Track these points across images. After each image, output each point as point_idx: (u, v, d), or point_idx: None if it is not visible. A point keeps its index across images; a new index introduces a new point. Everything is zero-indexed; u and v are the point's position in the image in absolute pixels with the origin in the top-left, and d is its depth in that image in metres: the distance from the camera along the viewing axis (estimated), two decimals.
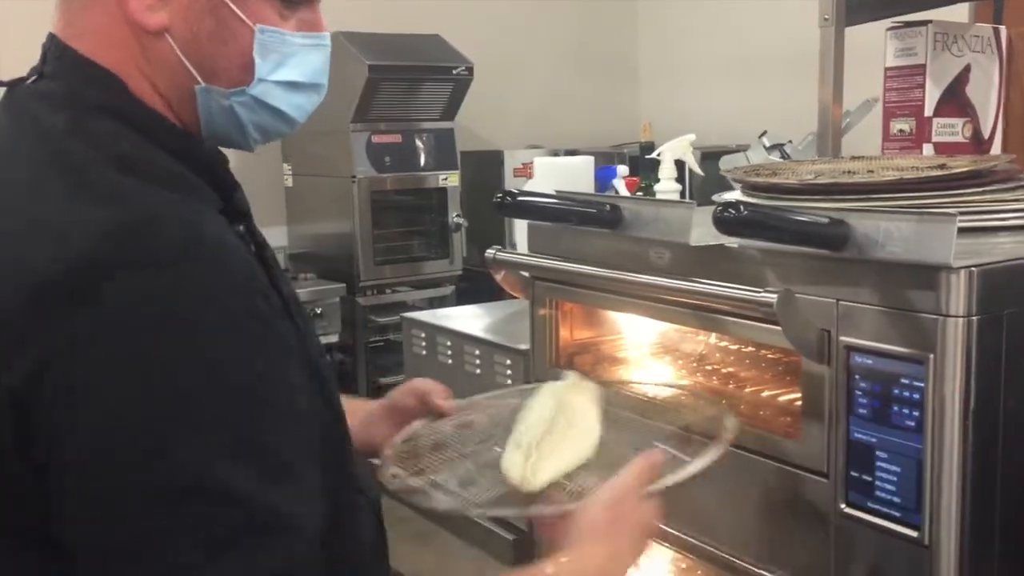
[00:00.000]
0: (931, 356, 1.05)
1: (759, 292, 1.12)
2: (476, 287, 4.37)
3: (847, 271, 1.12)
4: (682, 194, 2.07)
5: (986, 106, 2.11)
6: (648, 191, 2.36)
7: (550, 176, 1.85)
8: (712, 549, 1.29)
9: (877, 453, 1.12)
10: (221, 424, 0.78)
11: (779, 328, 1.17)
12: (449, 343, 1.93)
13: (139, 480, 0.77)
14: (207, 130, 0.96)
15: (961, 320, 1.03)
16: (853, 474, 1.15)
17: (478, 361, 1.84)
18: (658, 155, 1.99)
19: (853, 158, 1.63)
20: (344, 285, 3.92)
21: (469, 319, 2.04)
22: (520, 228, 2.02)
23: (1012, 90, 2.19)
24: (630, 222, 1.36)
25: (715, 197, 1.61)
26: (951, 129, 2.09)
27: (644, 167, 2.43)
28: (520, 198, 1.32)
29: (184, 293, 0.79)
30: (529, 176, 4.27)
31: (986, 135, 2.13)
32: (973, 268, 1.03)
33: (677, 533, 1.33)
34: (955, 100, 2.07)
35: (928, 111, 2.03)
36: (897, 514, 1.11)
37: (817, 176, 1.37)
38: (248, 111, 0.96)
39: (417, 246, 4.31)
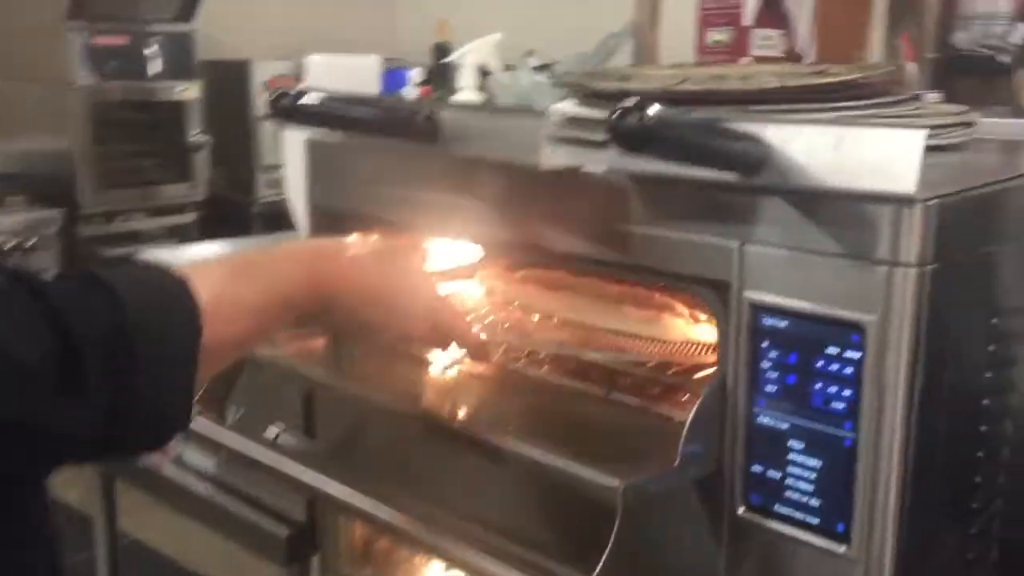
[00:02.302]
0: (873, 318, 0.80)
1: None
2: (222, 215, 3.89)
3: (756, 205, 0.85)
4: None
5: (801, 18, 1.92)
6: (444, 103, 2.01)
7: (327, 80, 1.47)
8: (553, 566, 0.99)
9: (790, 443, 0.86)
10: None
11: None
12: None
13: None
14: None
15: (913, 271, 0.78)
16: (755, 469, 0.88)
17: None
18: (458, 59, 1.66)
19: (698, 64, 1.37)
20: (62, 211, 3.33)
21: None
22: (291, 145, 1.63)
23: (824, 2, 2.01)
24: (452, 135, 1.02)
25: (549, 108, 1.29)
26: (769, 42, 1.89)
27: (438, 73, 2.08)
28: (302, 101, 0.95)
29: None
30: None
31: (798, 48, 1.95)
32: (932, 201, 0.77)
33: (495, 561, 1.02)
34: (773, 11, 1.86)
35: (747, 20, 1.82)
36: (814, 520, 0.86)
37: (683, 82, 1.08)
38: None
39: (151, 168, 3.74)
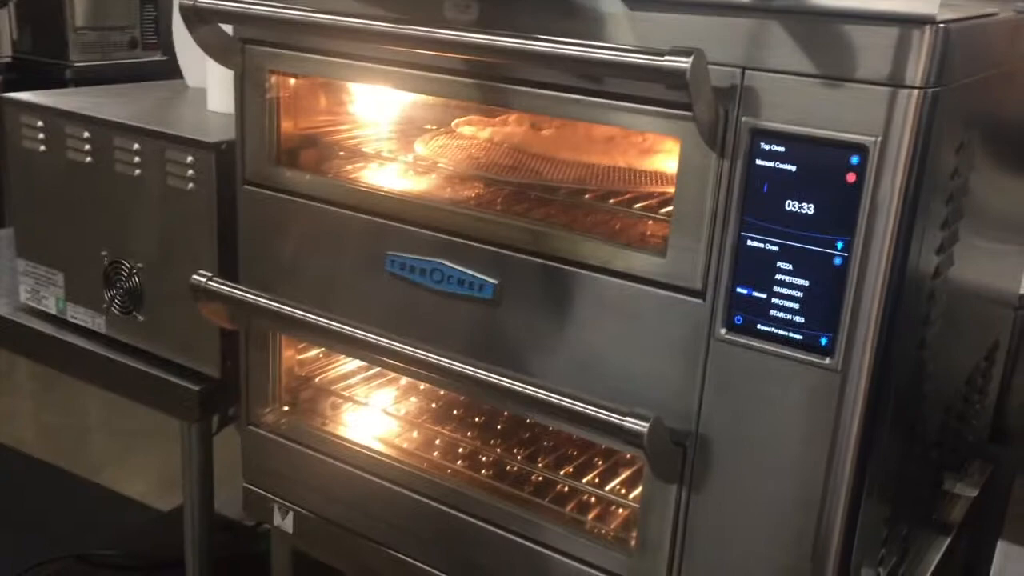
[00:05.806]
0: (874, 139, 0.83)
1: (661, 58, 0.82)
2: (30, 80, 3.59)
3: (760, 28, 0.86)
4: None
5: None
6: None
7: None
8: (539, 392, 1.01)
9: (779, 264, 0.90)
10: None
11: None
12: (87, 134, 1.39)
13: None
14: None
15: (917, 92, 0.82)
16: (740, 291, 0.92)
17: (138, 159, 1.35)
18: None
19: None
20: None
21: (98, 104, 1.51)
22: None
23: None
24: None
25: None
26: None
27: None
28: None
29: None
30: None
31: None
32: (943, 25, 0.81)
33: (496, 378, 1.03)
34: None
35: None
36: (797, 336, 0.90)
37: None
38: None
39: None
